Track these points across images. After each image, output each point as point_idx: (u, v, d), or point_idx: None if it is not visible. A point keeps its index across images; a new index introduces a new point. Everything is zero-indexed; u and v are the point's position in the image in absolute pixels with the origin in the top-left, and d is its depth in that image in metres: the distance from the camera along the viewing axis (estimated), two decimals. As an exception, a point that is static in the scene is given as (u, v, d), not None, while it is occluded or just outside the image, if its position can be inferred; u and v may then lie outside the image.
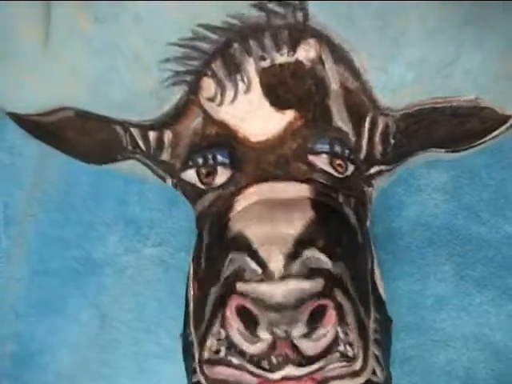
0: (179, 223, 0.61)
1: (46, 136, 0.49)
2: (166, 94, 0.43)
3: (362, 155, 0.46)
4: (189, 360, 0.44)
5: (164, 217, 0.62)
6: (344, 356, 0.39)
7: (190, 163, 0.46)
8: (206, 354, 0.40)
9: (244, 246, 0.40)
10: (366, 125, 0.44)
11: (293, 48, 0.42)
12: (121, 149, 0.47)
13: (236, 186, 0.44)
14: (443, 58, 0.41)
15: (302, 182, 0.44)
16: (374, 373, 0.42)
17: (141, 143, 0.47)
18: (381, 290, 0.47)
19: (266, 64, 0.42)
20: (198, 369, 0.41)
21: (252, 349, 0.38)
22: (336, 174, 0.44)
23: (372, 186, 0.48)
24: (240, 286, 0.39)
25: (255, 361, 0.38)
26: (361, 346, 0.40)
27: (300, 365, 0.38)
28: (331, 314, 0.38)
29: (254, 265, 0.39)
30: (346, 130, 0.44)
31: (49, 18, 0.42)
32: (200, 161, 0.45)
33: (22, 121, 0.47)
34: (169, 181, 0.49)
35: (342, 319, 0.39)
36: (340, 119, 0.44)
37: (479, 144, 0.47)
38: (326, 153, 0.44)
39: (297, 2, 0.40)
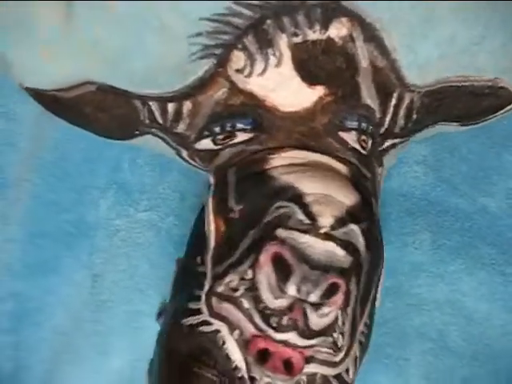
0: (170, 189, 0.64)
1: (63, 111, 0.49)
2: (191, 67, 0.43)
3: (383, 129, 0.47)
4: (188, 285, 0.44)
5: (155, 183, 0.64)
6: (334, 344, 0.41)
7: (206, 133, 0.46)
8: (221, 288, 0.40)
9: (295, 197, 0.41)
10: (393, 101, 0.45)
11: (325, 26, 0.42)
12: (138, 123, 0.47)
13: (261, 144, 0.45)
14: (471, 38, 0.42)
15: (339, 160, 0.45)
16: (346, 371, 0.43)
17: (158, 116, 0.47)
18: (378, 295, 0.48)
19: (298, 40, 0.42)
20: (203, 298, 0.42)
21: (272, 302, 0.39)
22: (362, 150, 0.46)
23: (382, 164, 0.49)
24: (281, 232, 0.39)
25: (266, 314, 0.39)
26: (348, 340, 0.41)
27: (302, 335, 0.39)
28: (340, 296, 0.39)
29: (301, 215, 0.40)
30: (374, 107, 0.45)
31: None
32: (217, 129, 0.45)
33: (39, 96, 0.47)
34: (184, 153, 0.49)
35: (345, 306, 0.40)
36: (368, 96, 0.45)
37: (490, 119, 0.49)
38: (355, 129, 0.45)
39: None
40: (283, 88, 0.44)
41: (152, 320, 0.62)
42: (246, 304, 0.40)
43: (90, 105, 0.47)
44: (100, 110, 0.47)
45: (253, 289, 0.39)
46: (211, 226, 0.45)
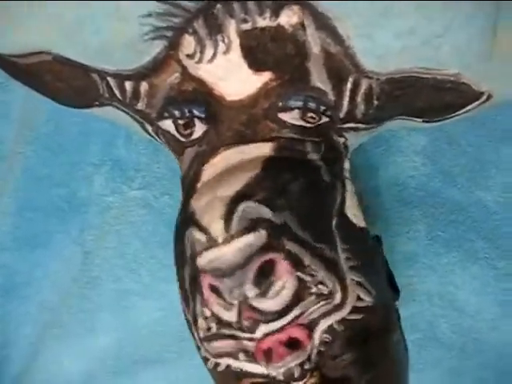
0: (165, 168, 0.63)
1: (23, 77, 0.49)
2: (144, 47, 0.43)
3: (342, 113, 0.46)
4: (193, 337, 0.45)
5: (150, 161, 0.63)
6: (319, 296, 0.40)
7: (166, 114, 0.46)
8: (202, 333, 0.42)
9: (191, 219, 0.41)
10: (348, 85, 0.44)
11: (275, 13, 0.41)
12: (97, 95, 0.47)
13: (208, 144, 0.45)
14: (432, 30, 0.41)
15: (266, 140, 0.44)
16: (359, 298, 0.43)
17: (117, 92, 0.47)
18: (354, 220, 0.46)
19: (247, 26, 0.42)
20: (200, 346, 0.43)
21: (230, 316, 0.40)
22: (306, 124, 0.45)
23: (343, 136, 0.48)
24: (199, 261, 0.40)
25: (238, 326, 0.40)
26: (334, 279, 0.41)
27: (272, 320, 0.39)
28: (282, 265, 0.39)
29: (199, 235, 0.40)
30: (325, 89, 0.44)
31: None
32: (176, 113, 0.45)
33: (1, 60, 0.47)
34: (148, 127, 0.49)
35: (298, 264, 0.40)
36: (319, 80, 0.44)
37: (452, 116, 0.48)
38: (299, 108, 0.44)
39: None
40: (231, 76, 0.44)
41: (141, 299, 0.62)
42: (226, 331, 0.41)
43: (48, 73, 0.47)
44: (58, 80, 0.47)
45: (219, 319, 0.40)
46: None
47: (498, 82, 0.45)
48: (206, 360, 0.44)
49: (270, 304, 0.39)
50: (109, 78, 0.46)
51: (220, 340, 0.41)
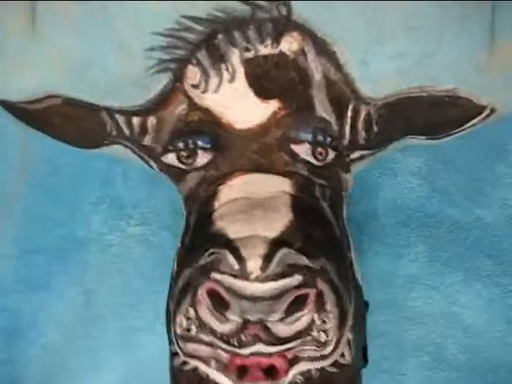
0: (162, 203, 0.63)
1: (33, 122, 0.50)
2: (150, 82, 0.44)
3: (346, 141, 0.47)
4: (169, 330, 0.45)
5: (147, 197, 0.63)
6: (316, 341, 0.40)
7: (171, 147, 0.47)
8: (179, 330, 0.41)
9: (224, 243, 0.41)
10: (349, 113, 0.45)
11: (276, 40, 0.42)
12: (105, 135, 0.48)
13: (217, 169, 0.45)
14: (423, 51, 0.43)
15: (284, 175, 0.45)
16: (342, 355, 0.43)
17: (125, 129, 0.48)
18: (358, 276, 0.48)
19: (250, 55, 0.43)
20: (174, 341, 0.43)
21: (221, 327, 0.40)
22: (316, 162, 0.45)
23: (350, 171, 0.49)
24: (215, 275, 0.40)
25: (224, 338, 0.40)
26: (337, 333, 0.41)
27: (271, 344, 0.39)
28: (311, 300, 0.39)
29: (232, 259, 0.40)
30: (329, 119, 0.45)
31: (34, 5, 0.43)
32: (180, 145, 0.46)
33: (10, 108, 0.48)
34: (152, 163, 0.50)
35: (321, 306, 0.40)
36: (323, 109, 0.45)
37: (458, 132, 0.49)
38: (309, 142, 0.45)
39: None
40: (237, 104, 0.44)
41: (145, 335, 0.62)
42: (205, 337, 0.40)
43: (57, 116, 0.48)
44: (67, 121, 0.48)
45: (202, 324, 0.40)
46: (174, 269, 0.46)
47: (500, 95, 0.46)
48: (174, 354, 0.44)
49: (281, 329, 0.39)
50: (117, 116, 0.47)
51: (197, 344, 0.41)
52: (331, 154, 0.46)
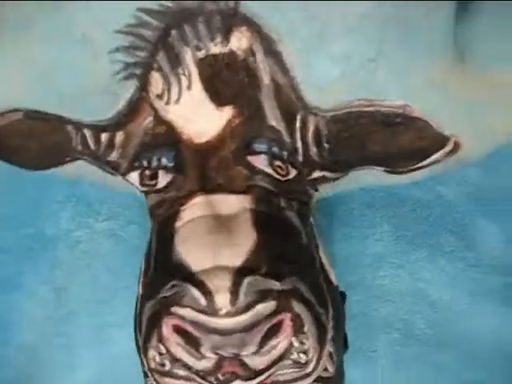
0: (129, 197, 0.63)
1: None
2: (117, 88, 0.44)
3: (300, 157, 0.46)
4: (140, 361, 0.45)
5: (113, 192, 0.63)
6: (296, 363, 0.40)
7: (136, 164, 0.46)
8: (152, 364, 0.41)
9: (188, 275, 0.40)
10: (297, 124, 0.45)
11: (226, 36, 0.43)
12: (69, 149, 0.48)
13: (178, 190, 0.45)
14: (365, 54, 0.42)
15: (244, 192, 0.44)
16: (325, 369, 0.43)
17: (91, 143, 0.47)
18: (332, 278, 0.47)
19: (201, 54, 0.43)
20: (149, 374, 0.42)
21: (197, 364, 0.39)
22: (277, 176, 0.45)
23: (317, 190, 0.49)
24: (176, 310, 0.39)
25: (201, 374, 0.39)
26: (317, 350, 0.41)
27: (249, 379, 0.39)
28: (286, 325, 0.39)
29: (197, 294, 0.39)
30: (279, 128, 0.45)
31: None
32: (145, 163, 0.46)
33: None
34: (118, 177, 0.49)
35: (298, 329, 0.40)
36: (273, 117, 0.45)
37: (418, 168, 0.47)
38: (265, 153, 0.45)
39: None
40: (196, 116, 0.44)
41: (117, 330, 0.62)
42: (181, 372, 0.40)
43: (18, 134, 0.47)
44: (29, 139, 0.47)
45: (175, 359, 0.39)
46: (139, 290, 0.46)
47: (464, 125, 0.44)
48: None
49: (258, 361, 0.39)
50: (84, 130, 0.46)
51: (173, 378, 0.40)
52: (292, 172, 0.46)
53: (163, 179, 0.46)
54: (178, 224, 0.44)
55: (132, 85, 0.44)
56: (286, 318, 0.39)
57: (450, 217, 0.64)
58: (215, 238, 0.41)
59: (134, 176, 0.47)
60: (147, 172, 0.46)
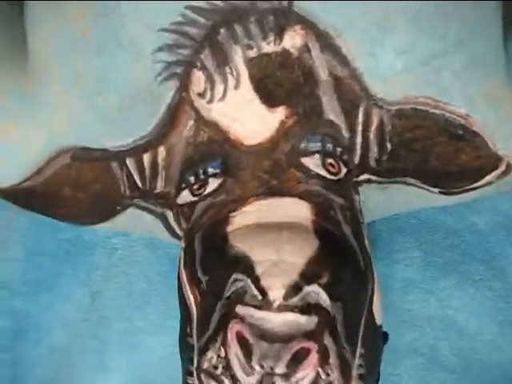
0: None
1: (39, 203, 0.48)
2: (159, 91, 0.43)
3: (357, 158, 0.45)
4: (186, 361, 0.44)
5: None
6: None
7: (183, 185, 0.45)
8: (206, 365, 0.40)
9: (248, 269, 0.39)
10: (360, 116, 0.43)
11: (279, 35, 0.41)
12: (119, 196, 0.47)
13: (228, 193, 0.44)
14: (429, 49, 0.41)
15: (300, 196, 0.43)
16: None
17: (137, 178, 0.46)
18: (377, 316, 0.46)
19: (253, 53, 0.42)
20: (195, 374, 0.42)
21: (245, 379, 0.39)
22: (329, 175, 0.43)
23: (358, 193, 0.47)
24: (239, 309, 0.39)
25: None
26: (341, 381, 0.40)
27: None
28: (313, 357, 0.38)
29: (254, 290, 0.39)
30: (338, 122, 0.43)
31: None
32: (192, 179, 0.44)
33: (9, 195, 0.46)
34: (169, 216, 0.49)
35: (324, 361, 0.39)
36: (331, 110, 0.43)
37: (472, 189, 0.46)
38: (318, 152, 0.43)
39: None
40: (244, 115, 0.43)
41: (149, 337, 0.63)
42: (227, 382, 0.39)
43: (67, 184, 0.45)
44: (78, 189, 0.46)
45: (228, 367, 0.39)
46: (190, 297, 0.44)
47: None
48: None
49: None
50: (127, 161, 0.45)
51: (217, 383, 0.40)
52: (343, 170, 0.44)
53: (212, 184, 0.44)
54: (230, 229, 0.42)
55: (173, 86, 0.43)
56: (314, 348, 0.38)
57: (480, 246, 0.64)
58: (277, 235, 0.40)
59: (184, 195, 0.46)
60: (195, 186, 0.45)
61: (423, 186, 0.47)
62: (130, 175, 0.46)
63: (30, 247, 0.65)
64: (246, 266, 0.40)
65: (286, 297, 0.38)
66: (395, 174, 0.47)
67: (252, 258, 0.40)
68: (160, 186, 0.47)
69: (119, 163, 0.46)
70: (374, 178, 0.47)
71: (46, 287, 0.65)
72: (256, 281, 0.39)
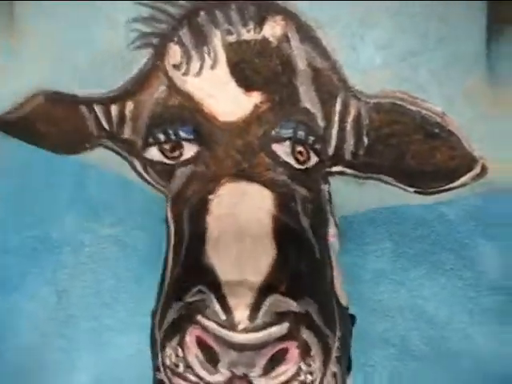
0: (134, 203, 0.63)
1: (16, 131, 0.50)
2: (132, 56, 0.43)
3: (331, 149, 0.45)
4: (154, 356, 0.45)
5: (119, 197, 0.64)
6: (302, 382, 0.40)
7: (151, 140, 0.45)
8: (168, 362, 0.41)
9: (214, 285, 0.40)
10: (337, 106, 0.44)
11: (259, 24, 0.41)
12: (87, 135, 0.48)
13: (207, 166, 0.44)
14: (408, 46, 0.42)
15: (265, 184, 0.43)
16: None
17: (104, 122, 0.47)
18: (340, 297, 0.47)
19: (232, 39, 0.42)
20: (162, 369, 0.42)
21: (209, 378, 0.39)
22: (296, 165, 0.44)
23: (328, 183, 0.48)
24: (201, 319, 0.39)
25: None
26: (321, 371, 0.41)
27: None
28: (293, 353, 0.39)
29: (218, 308, 0.39)
30: (314, 111, 0.44)
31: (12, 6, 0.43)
32: (161, 137, 0.45)
33: None
34: (136, 163, 0.49)
35: (306, 354, 0.40)
36: (308, 99, 0.43)
37: (447, 190, 0.48)
38: (290, 138, 0.44)
39: None
40: (219, 93, 0.43)
41: (117, 335, 0.63)
42: (192, 377, 0.40)
43: (41, 119, 0.47)
44: (51, 125, 0.48)
45: (190, 367, 0.40)
46: (167, 274, 0.45)
47: (492, 148, 0.45)
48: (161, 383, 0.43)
49: (265, 381, 0.39)
50: (95, 107, 0.46)
51: (184, 381, 0.41)
52: (313, 159, 0.45)
53: (189, 150, 0.44)
54: (209, 219, 0.43)
55: (146, 54, 0.43)
56: (293, 346, 0.39)
57: (450, 236, 0.64)
58: (241, 247, 0.42)
59: (153, 152, 0.46)
60: (166, 146, 0.45)
61: (398, 184, 0.48)
62: (97, 117, 0.47)
63: (-5, 245, 0.64)
64: (212, 281, 0.40)
65: (251, 317, 0.39)
66: (371, 169, 0.47)
67: (219, 275, 0.40)
68: (127, 133, 0.47)
69: (87, 107, 0.46)
70: (348, 170, 0.47)
71: (11, 286, 0.63)
72: (221, 299, 0.39)
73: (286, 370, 0.39)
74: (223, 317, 0.39)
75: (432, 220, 0.64)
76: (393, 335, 0.64)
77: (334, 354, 0.43)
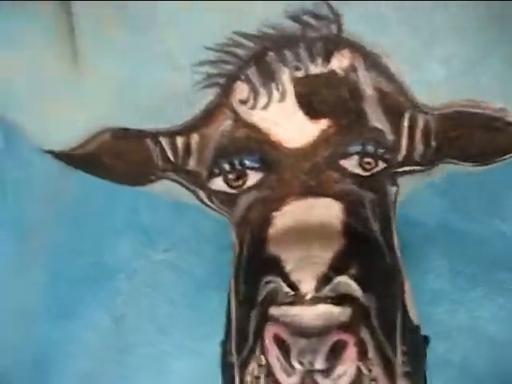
0: (188, 228, 0.64)
1: (83, 165, 0.50)
2: (197, 97, 0.43)
3: (401, 156, 0.46)
4: (227, 381, 0.44)
5: (173, 222, 0.64)
6: None
7: (216, 170, 0.45)
8: (249, 379, 0.40)
9: (277, 268, 0.40)
10: (405, 122, 0.44)
11: (327, 59, 0.42)
12: (152, 167, 0.48)
13: (271, 189, 0.44)
14: (471, 58, 0.42)
15: (334, 196, 0.44)
16: None
17: (169, 154, 0.47)
18: (412, 317, 0.46)
19: (300, 74, 0.42)
20: None
21: (287, 381, 0.39)
22: (363, 172, 0.44)
23: (396, 184, 0.48)
24: (273, 310, 0.39)
25: None
26: (387, 381, 0.40)
27: None
28: (351, 351, 0.39)
29: (286, 287, 0.39)
30: (382, 128, 0.44)
31: (74, 39, 0.43)
32: (226, 167, 0.45)
33: (59, 156, 0.49)
34: (201, 194, 0.49)
35: (363, 355, 0.39)
36: (376, 119, 0.44)
37: (501, 160, 0.48)
38: (358, 153, 0.44)
39: (331, 15, 0.41)
40: (286, 122, 0.43)
41: (175, 360, 0.63)
42: None
43: (107, 154, 0.48)
44: (117, 158, 0.48)
45: (269, 374, 0.39)
46: (232, 311, 0.45)
47: None
48: None
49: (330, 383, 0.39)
50: (161, 139, 0.46)
51: None
52: (381, 165, 0.45)
53: (253, 177, 0.45)
54: (271, 231, 0.43)
55: (212, 92, 0.43)
56: (351, 341, 0.39)
57: (508, 254, 0.63)
58: (306, 233, 0.42)
59: (217, 182, 0.46)
60: (231, 176, 0.45)
61: (459, 163, 0.49)
62: (162, 150, 0.47)
63: (52, 273, 0.65)
64: (275, 265, 0.41)
65: (318, 288, 0.39)
66: (435, 161, 0.48)
67: (281, 257, 0.41)
68: (192, 164, 0.47)
69: (153, 140, 0.47)
70: (416, 168, 0.48)
71: (68, 314, 0.64)
72: (286, 277, 0.40)
73: (345, 370, 0.39)
74: (291, 293, 0.39)
75: (490, 238, 0.63)
76: (453, 356, 0.63)
77: (400, 368, 0.42)
